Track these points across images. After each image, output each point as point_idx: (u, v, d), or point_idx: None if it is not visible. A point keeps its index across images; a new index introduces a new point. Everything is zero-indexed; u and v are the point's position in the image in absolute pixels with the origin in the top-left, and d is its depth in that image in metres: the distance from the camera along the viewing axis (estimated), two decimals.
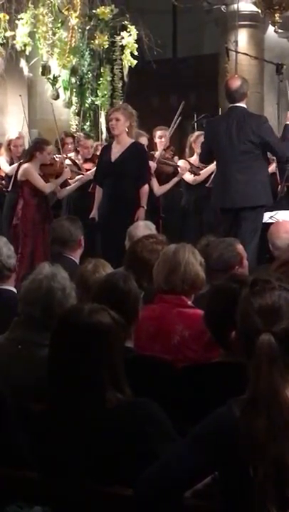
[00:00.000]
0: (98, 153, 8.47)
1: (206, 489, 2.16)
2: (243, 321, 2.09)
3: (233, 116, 6.67)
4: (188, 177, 8.22)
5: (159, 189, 8.09)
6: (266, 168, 6.75)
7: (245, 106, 6.72)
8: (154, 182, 8.03)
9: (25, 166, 7.93)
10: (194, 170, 8.20)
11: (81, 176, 8.38)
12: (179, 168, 8.23)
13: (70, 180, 8.38)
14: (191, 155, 8.37)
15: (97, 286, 3.46)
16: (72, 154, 8.84)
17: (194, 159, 8.32)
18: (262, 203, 6.55)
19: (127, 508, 2.16)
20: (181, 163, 8.38)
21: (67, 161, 8.39)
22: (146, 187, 7.27)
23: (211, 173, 7.89)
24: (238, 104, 6.66)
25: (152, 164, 7.92)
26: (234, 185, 6.55)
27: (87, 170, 8.48)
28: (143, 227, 5.48)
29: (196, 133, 8.48)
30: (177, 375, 3.16)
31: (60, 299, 3.23)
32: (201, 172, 8.15)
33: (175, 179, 8.20)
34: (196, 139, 8.29)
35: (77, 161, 8.59)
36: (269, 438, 1.95)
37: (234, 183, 6.55)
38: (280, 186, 7.80)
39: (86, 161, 8.70)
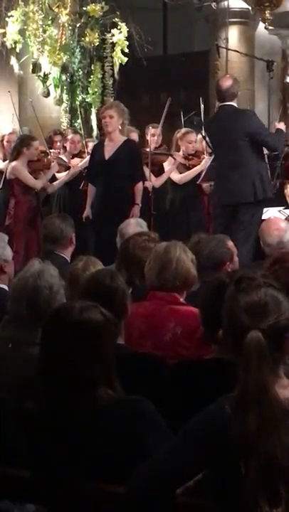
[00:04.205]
0: (86, 149, 8.47)
1: (198, 486, 2.16)
2: (230, 318, 2.10)
3: (221, 115, 6.79)
4: (175, 176, 8.19)
5: (156, 181, 8.06)
6: (262, 162, 6.79)
7: (234, 104, 6.75)
8: (151, 175, 8.02)
9: (13, 164, 7.92)
10: (180, 169, 8.17)
11: (69, 169, 8.36)
12: (173, 156, 8.18)
13: (58, 174, 8.36)
14: (177, 151, 8.36)
15: (84, 284, 3.46)
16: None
17: (179, 155, 8.30)
18: (247, 200, 6.57)
19: (119, 505, 2.16)
20: (167, 161, 8.36)
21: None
22: (140, 184, 7.28)
23: (200, 172, 7.90)
24: (226, 103, 6.71)
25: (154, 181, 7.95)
26: (227, 183, 6.62)
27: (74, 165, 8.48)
28: (134, 225, 5.48)
29: (183, 130, 8.44)
30: (169, 372, 3.16)
31: (47, 298, 3.22)
32: (187, 173, 8.13)
33: (171, 168, 8.17)
34: (183, 136, 8.26)
35: (65, 159, 8.57)
36: (260, 434, 1.96)
37: (227, 180, 6.62)
38: (278, 183, 7.82)
39: (73, 156, 8.68)
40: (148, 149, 8.20)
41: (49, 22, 10.04)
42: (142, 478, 2.10)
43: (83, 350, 2.32)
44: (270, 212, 6.76)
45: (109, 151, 7.25)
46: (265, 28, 11.81)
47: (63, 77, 10.27)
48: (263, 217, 6.47)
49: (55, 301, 3.22)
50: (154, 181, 8.00)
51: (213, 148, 6.88)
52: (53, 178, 8.33)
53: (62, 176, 8.39)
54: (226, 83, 6.75)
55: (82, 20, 10.26)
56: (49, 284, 3.25)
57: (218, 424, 2.02)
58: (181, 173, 8.19)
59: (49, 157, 8.21)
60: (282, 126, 7.15)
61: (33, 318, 3.15)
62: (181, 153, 8.17)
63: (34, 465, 2.35)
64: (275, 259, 3.63)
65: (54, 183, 8.31)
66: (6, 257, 4.45)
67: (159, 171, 8.24)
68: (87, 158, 8.04)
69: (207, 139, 7.40)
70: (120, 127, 7.26)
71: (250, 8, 11.59)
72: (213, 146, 6.88)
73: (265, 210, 6.78)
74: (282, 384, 2.08)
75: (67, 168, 8.42)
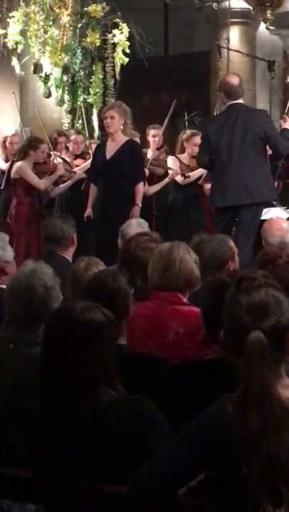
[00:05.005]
0: (89, 150, 8.48)
1: (200, 486, 2.16)
2: (230, 319, 2.09)
3: (235, 113, 6.59)
4: (178, 177, 8.19)
5: (149, 189, 8.07)
6: (267, 163, 6.76)
7: (243, 102, 6.73)
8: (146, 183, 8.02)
9: (18, 163, 7.96)
10: (184, 171, 8.17)
11: (73, 174, 8.39)
12: (170, 171, 8.20)
13: (64, 179, 8.38)
14: (182, 152, 8.35)
15: (86, 284, 3.46)
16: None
17: (184, 156, 8.30)
18: (266, 199, 6.55)
19: (120, 506, 2.16)
20: (170, 160, 8.35)
21: (59, 160, 8.39)
22: (141, 185, 7.28)
23: (202, 173, 7.88)
24: (238, 101, 6.64)
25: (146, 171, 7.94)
26: (238, 182, 6.47)
27: (77, 166, 8.49)
28: (136, 226, 5.48)
29: (189, 132, 8.43)
30: (169, 372, 3.16)
31: (42, 295, 3.23)
32: (191, 174, 8.13)
33: (166, 180, 8.19)
34: (189, 138, 8.25)
35: (67, 159, 8.58)
36: (262, 434, 1.96)
37: (238, 180, 6.47)
38: (276, 183, 7.81)
39: (76, 157, 8.69)
40: (149, 155, 8.21)
41: (50, 23, 10.04)
42: (142, 478, 2.10)
43: (84, 350, 2.32)
44: (271, 212, 6.75)
45: (110, 151, 7.25)
46: (267, 28, 11.79)
47: (64, 78, 10.27)
48: (266, 217, 6.45)
49: (50, 298, 3.23)
50: (146, 189, 7.99)
51: (218, 148, 6.66)
52: (57, 182, 8.34)
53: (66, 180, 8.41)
54: (236, 80, 6.65)
55: (84, 21, 10.26)
56: (43, 281, 3.26)
57: (219, 425, 2.02)
58: (183, 174, 8.19)
59: (51, 158, 8.23)
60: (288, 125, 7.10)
61: (30, 317, 3.16)
62: (178, 167, 8.16)
63: (34, 465, 2.35)
64: (266, 260, 3.60)
65: (57, 187, 8.31)
66: (7, 257, 4.45)
67: (154, 179, 8.25)
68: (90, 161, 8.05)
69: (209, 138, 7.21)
70: (122, 127, 7.26)
71: (251, 8, 11.57)
72: (221, 145, 6.68)
73: (266, 210, 6.76)
74: (283, 384, 2.07)
75: (72, 173, 8.42)
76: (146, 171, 7.90)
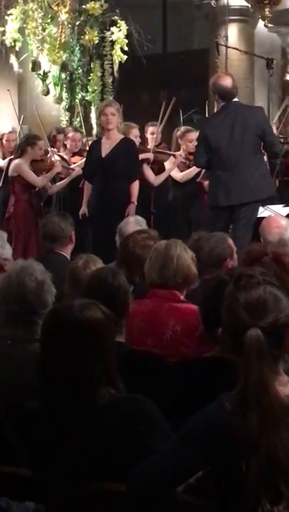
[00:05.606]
0: (86, 147, 8.48)
1: (199, 483, 2.15)
2: (229, 316, 2.09)
3: (233, 112, 6.56)
4: (176, 174, 8.18)
5: (155, 179, 8.04)
6: (265, 159, 6.77)
7: (238, 100, 6.72)
8: (150, 173, 8.01)
9: (16, 161, 7.96)
10: (181, 168, 8.17)
11: (71, 171, 8.38)
12: (175, 156, 8.16)
13: (61, 176, 8.38)
14: (177, 149, 8.34)
15: (86, 283, 3.46)
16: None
17: (179, 153, 8.28)
18: (265, 196, 6.55)
19: (119, 504, 2.16)
20: (168, 160, 8.33)
21: (57, 157, 8.38)
22: (136, 183, 7.27)
23: (200, 170, 7.85)
24: (234, 100, 6.62)
25: (150, 155, 7.93)
26: (241, 181, 6.45)
27: (75, 163, 8.48)
28: (133, 223, 5.48)
29: (183, 128, 8.40)
30: (169, 370, 3.16)
31: (34, 289, 3.24)
32: (188, 171, 8.11)
33: (171, 167, 8.16)
34: (183, 135, 8.22)
35: (65, 157, 8.58)
36: (261, 432, 1.95)
37: (241, 178, 6.45)
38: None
39: (74, 154, 8.69)
40: (149, 147, 8.20)
41: (48, 20, 10.04)
42: (141, 477, 2.10)
43: (84, 349, 2.31)
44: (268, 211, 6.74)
45: (106, 148, 7.26)
46: (265, 25, 11.80)
47: (63, 76, 10.28)
48: (263, 215, 6.45)
49: (43, 292, 3.24)
50: (152, 180, 7.99)
51: (218, 147, 6.61)
52: (55, 179, 8.33)
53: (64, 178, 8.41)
54: (229, 81, 6.62)
55: (82, 19, 10.25)
56: (33, 276, 3.28)
57: (219, 424, 2.02)
58: (182, 171, 8.18)
59: (49, 155, 8.22)
60: None
61: (26, 313, 3.17)
62: (182, 152, 8.16)
63: (34, 465, 2.34)
64: (253, 257, 3.59)
65: (55, 184, 8.30)
66: (6, 255, 4.45)
67: (158, 169, 8.24)
68: None
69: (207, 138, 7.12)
70: (118, 125, 7.30)
71: (249, 5, 11.58)
72: (221, 144, 6.55)
73: (262, 209, 6.75)
74: (282, 381, 2.07)
75: (70, 170, 8.41)
76: (151, 155, 7.91)
